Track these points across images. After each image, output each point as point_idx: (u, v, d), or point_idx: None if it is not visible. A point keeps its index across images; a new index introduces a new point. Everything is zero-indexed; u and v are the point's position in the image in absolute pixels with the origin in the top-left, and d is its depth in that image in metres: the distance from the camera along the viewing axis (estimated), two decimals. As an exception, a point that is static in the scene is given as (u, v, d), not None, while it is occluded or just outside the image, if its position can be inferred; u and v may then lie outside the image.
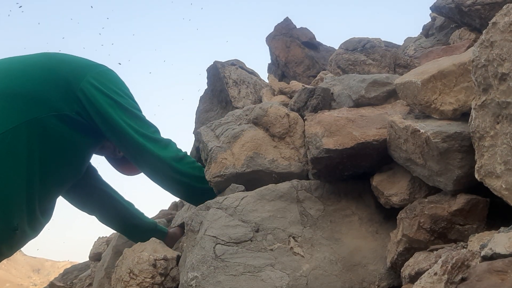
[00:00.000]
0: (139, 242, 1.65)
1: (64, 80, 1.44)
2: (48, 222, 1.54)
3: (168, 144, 1.58)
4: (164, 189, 1.66)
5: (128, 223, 1.86)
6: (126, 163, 1.81)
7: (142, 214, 1.93)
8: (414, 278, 0.96)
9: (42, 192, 1.43)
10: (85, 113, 1.46)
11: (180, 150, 1.61)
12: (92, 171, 1.79)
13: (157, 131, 1.58)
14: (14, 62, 1.47)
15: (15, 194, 1.31)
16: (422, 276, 0.85)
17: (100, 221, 1.88)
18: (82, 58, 1.59)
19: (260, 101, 2.18)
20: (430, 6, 2.28)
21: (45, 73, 1.43)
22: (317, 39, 2.85)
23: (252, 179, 1.47)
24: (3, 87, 1.36)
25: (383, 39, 2.28)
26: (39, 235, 1.54)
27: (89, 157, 1.66)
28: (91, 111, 1.45)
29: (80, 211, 1.85)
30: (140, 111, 1.59)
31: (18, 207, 1.34)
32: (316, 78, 2.19)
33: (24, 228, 1.39)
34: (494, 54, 0.86)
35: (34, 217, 1.42)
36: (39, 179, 1.39)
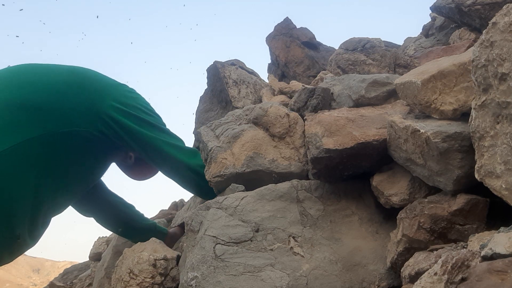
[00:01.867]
0: (139, 242, 1.65)
1: (88, 99, 1.47)
2: (45, 230, 1.54)
3: (196, 153, 1.65)
4: (192, 193, 1.76)
5: (126, 226, 1.86)
6: (137, 169, 1.85)
7: (142, 215, 1.93)
8: (414, 278, 0.96)
9: (51, 204, 1.44)
10: (110, 132, 1.50)
11: None
12: None
13: (182, 141, 1.66)
14: (39, 73, 1.47)
15: (21, 205, 1.31)
16: (422, 276, 0.85)
17: (98, 222, 1.88)
18: (105, 77, 1.63)
19: (260, 101, 2.18)
20: (430, 6, 2.28)
21: (69, 89, 1.45)
22: (317, 39, 2.86)
23: (252, 179, 1.47)
24: (27, 98, 1.36)
25: (383, 39, 2.28)
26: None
27: (104, 171, 1.70)
28: (120, 132, 1.50)
29: (77, 212, 1.85)
30: (164, 124, 1.66)
31: (23, 217, 1.34)
32: (316, 78, 2.19)
33: (25, 237, 1.40)
34: (494, 54, 0.86)
35: (36, 227, 1.43)
36: (50, 192, 1.40)
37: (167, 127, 1.67)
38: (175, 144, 1.60)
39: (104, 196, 1.83)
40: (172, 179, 1.68)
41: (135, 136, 1.52)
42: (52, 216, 1.51)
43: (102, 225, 1.88)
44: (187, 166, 1.57)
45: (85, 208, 1.84)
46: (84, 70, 1.59)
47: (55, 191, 1.43)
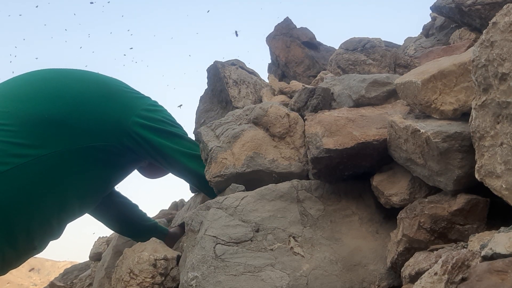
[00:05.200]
0: (139, 242, 1.65)
1: (115, 113, 1.49)
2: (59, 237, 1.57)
3: None
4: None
5: (128, 225, 1.87)
6: (149, 169, 1.90)
7: (144, 215, 1.93)
8: (414, 278, 0.96)
9: (70, 214, 1.46)
10: (135, 146, 1.54)
11: None
12: None
13: (199, 147, 1.68)
14: (66, 83, 1.47)
15: (41, 218, 1.33)
16: (422, 276, 0.85)
17: (100, 221, 1.89)
18: (130, 89, 1.65)
19: (260, 101, 2.18)
20: (430, 6, 2.28)
21: (96, 102, 1.46)
22: (317, 39, 2.86)
23: (252, 179, 1.47)
24: (54, 113, 1.36)
25: (383, 39, 2.28)
26: None
27: (123, 179, 1.73)
28: (145, 145, 1.54)
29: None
30: (186, 133, 1.72)
31: (42, 230, 1.36)
32: (316, 78, 2.19)
33: (41, 246, 1.43)
34: (494, 54, 0.86)
35: (52, 236, 1.46)
36: (71, 204, 1.42)
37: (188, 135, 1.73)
38: (195, 154, 1.65)
39: (109, 196, 1.83)
40: (190, 184, 1.77)
41: (159, 149, 1.57)
42: (65, 225, 1.52)
43: (104, 224, 1.89)
44: (202, 176, 1.59)
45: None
46: (110, 80, 1.61)
47: (76, 202, 1.45)
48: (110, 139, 1.46)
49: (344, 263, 1.21)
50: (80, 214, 1.57)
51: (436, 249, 1.00)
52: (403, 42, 2.85)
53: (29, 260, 1.47)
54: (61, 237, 1.50)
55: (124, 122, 1.49)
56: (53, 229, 1.42)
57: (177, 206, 2.54)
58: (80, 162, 1.38)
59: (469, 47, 1.89)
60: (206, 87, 2.46)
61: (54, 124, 1.34)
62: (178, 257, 1.55)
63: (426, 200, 1.10)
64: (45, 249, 1.51)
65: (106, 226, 1.89)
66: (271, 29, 2.86)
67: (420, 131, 1.05)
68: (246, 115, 1.68)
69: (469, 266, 0.74)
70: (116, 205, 1.86)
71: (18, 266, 1.43)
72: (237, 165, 1.48)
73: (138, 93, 1.68)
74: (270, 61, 2.95)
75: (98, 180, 1.49)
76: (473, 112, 0.95)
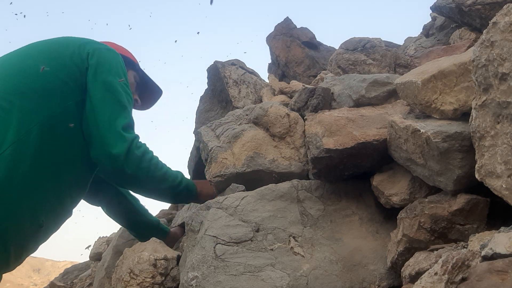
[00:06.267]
0: (139, 242, 1.65)
1: (71, 65, 1.43)
2: (69, 217, 1.54)
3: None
4: None
5: (132, 219, 1.87)
6: (142, 101, 1.85)
7: (146, 210, 1.94)
8: (414, 278, 0.96)
9: (69, 186, 1.43)
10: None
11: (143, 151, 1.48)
12: None
13: (130, 126, 1.48)
14: (17, 58, 1.46)
15: (43, 190, 1.32)
16: (422, 276, 0.85)
17: (106, 213, 1.90)
18: (77, 38, 1.57)
19: (261, 101, 2.18)
20: (431, 6, 2.28)
21: (52, 63, 1.42)
22: (317, 39, 2.86)
23: (252, 179, 1.47)
24: (18, 85, 1.35)
25: (383, 39, 2.28)
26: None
27: None
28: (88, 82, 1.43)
29: (88, 203, 1.86)
30: (128, 102, 1.51)
31: (45, 203, 1.35)
32: (317, 78, 2.19)
33: (48, 224, 1.40)
34: (494, 54, 0.86)
35: (57, 214, 1.43)
36: (67, 174, 1.39)
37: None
38: (116, 126, 1.42)
39: (113, 187, 1.83)
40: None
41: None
42: (72, 200, 1.51)
43: (109, 216, 1.90)
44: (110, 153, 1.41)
45: (94, 198, 1.85)
46: (54, 39, 1.55)
47: (72, 173, 1.42)
48: (79, 91, 1.41)
49: (344, 263, 1.21)
50: (78, 185, 1.52)
51: (436, 249, 1.00)
52: (403, 42, 2.85)
53: (29, 260, 1.47)
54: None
55: (81, 64, 1.43)
56: (56, 204, 1.40)
57: (177, 206, 2.54)
58: (62, 127, 1.36)
59: (469, 47, 1.89)
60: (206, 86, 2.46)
61: (27, 95, 1.33)
62: (178, 257, 1.55)
63: (426, 200, 1.10)
64: (56, 229, 1.49)
65: (111, 218, 1.90)
66: (272, 29, 2.86)
67: (420, 131, 1.05)
68: (246, 115, 1.68)
69: (469, 266, 0.74)
70: (123, 195, 1.86)
71: (33, 250, 1.42)
72: (237, 165, 1.48)
73: (88, 39, 1.58)
74: (270, 61, 2.95)
75: (81, 142, 1.45)
76: (473, 112, 0.95)
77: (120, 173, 1.41)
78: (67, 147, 1.39)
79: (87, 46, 1.51)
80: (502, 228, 0.82)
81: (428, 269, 0.89)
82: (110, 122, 1.39)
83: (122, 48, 1.81)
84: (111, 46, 1.63)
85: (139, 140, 1.45)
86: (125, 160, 1.38)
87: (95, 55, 1.48)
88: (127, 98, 1.48)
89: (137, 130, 1.52)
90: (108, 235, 2.56)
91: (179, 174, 1.57)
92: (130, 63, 1.77)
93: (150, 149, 1.49)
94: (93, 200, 1.87)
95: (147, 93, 1.90)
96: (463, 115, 1.08)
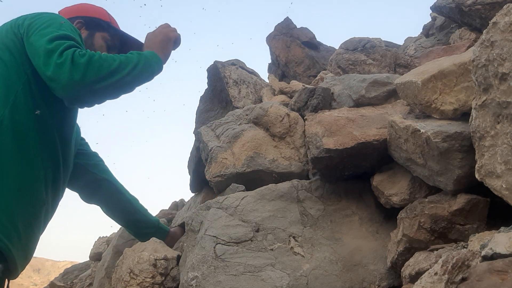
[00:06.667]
0: (139, 242, 1.65)
1: (9, 43, 1.42)
2: (61, 198, 1.55)
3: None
4: None
5: (131, 218, 1.87)
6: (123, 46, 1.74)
7: (146, 210, 1.93)
8: (414, 278, 0.96)
9: (63, 155, 1.43)
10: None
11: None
12: (99, 162, 1.80)
13: (59, 37, 1.34)
14: None
15: (42, 166, 1.33)
16: (422, 276, 0.85)
17: (105, 213, 1.89)
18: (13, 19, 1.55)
19: (261, 101, 2.18)
20: (431, 6, 2.28)
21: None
22: (317, 39, 2.86)
23: (252, 179, 1.47)
24: None
25: (383, 39, 2.28)
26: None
27: None
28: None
29: (86, 203, 1.86)
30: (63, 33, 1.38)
31: (45, 181, 1.36)
32: (317, 78, 2.19)
33: (49, 204, 1.41)
34: (494, 54, 0.86)
35: (56, 193, 1.44)
36: (62, 144, 1.39)
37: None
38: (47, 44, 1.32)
39: (112, 185, 1.83)
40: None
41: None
42: (67, 175, 1.51)
43: (108, 215, 1.89)
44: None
45: (94, 197, 1.84)
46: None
47: (67, 144, 1.42)
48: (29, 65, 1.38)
49: (344, 263, 1.21)
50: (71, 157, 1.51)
51: (436, 249, 1.00)
52: (403, 42, 2.86)
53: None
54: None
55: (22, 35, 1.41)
56: (56, 180, 1.41)
57: (177, 206, 2.54)
58: (28, 102, 1.36)
59: (469, 47, 1.89)
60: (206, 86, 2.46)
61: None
62: (178, 257, 1.55)
63: (426, 200, 1.10)
64: (54, 213, 1.49)
65: (111, 217, 1.89)
66: (272, 29, 2.86)
67: (420, 131, 1.05)
68: (246, 115, 1.68)
69: (469, 266, 0.74)
70: (121, 194, 1.86)
71: (42, 231, 1.43)
72: (237, 165, 1.48)
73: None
74: (270, 61, 2.95)
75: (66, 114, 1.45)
76: (473, 112, 0.95)
77: (72, 88, 1.26)
78: (40, 111, 1.36)
79: (18, 20, 1.47)
80: (502, 228, 0.82)
81: (428, 269, 0.89)
82: (41, 47, 1.29)
83: (91, 8, 1.69)
84: (76, 6, 1.59)
85: (79, 50, 1.28)
86: (67, 73, 1.24)
87: (25, 22, 1.42)
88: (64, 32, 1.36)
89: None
90: (108, 235, 2.56)
91: (133, 53, 1.43)
92: (98, 24, 1.64)
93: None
94: (92, 199, 1.86)
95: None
96: (463, 115, 1.08)
